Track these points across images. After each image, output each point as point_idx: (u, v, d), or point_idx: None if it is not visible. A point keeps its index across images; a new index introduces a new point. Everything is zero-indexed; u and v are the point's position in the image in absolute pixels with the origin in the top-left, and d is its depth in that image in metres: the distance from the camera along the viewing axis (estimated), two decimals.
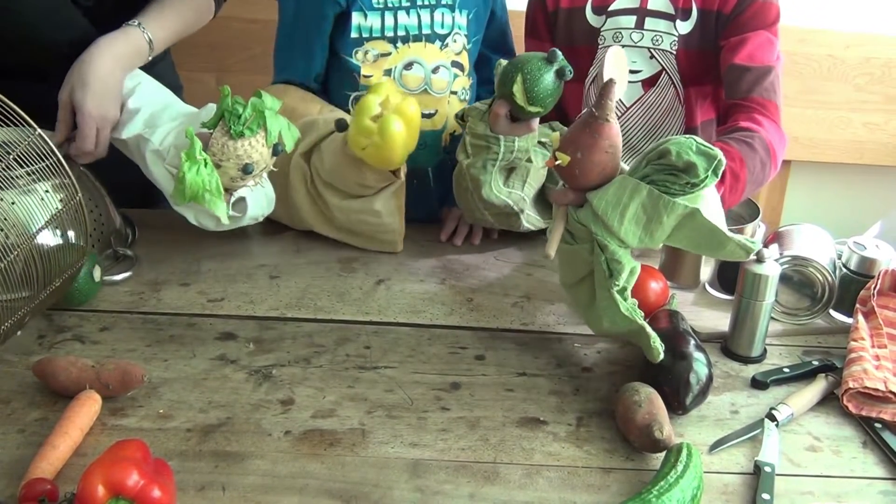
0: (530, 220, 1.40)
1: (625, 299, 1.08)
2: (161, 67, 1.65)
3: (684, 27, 1.42)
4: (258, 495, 0.92)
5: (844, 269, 1.28)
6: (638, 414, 1.00)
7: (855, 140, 2.39)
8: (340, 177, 1.37)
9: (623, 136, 1.49)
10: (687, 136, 1.04)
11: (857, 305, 1.23)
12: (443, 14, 1.45)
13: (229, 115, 1.18)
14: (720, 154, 1.01)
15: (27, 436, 0.98)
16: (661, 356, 1.07)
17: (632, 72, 1.45)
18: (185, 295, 1.28)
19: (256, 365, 1.13)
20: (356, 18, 1.42)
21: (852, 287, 1.26)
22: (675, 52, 1.43)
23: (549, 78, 1.22)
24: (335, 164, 1.35)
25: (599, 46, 1.46)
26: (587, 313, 1.15)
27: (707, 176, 1.01)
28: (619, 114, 1.48)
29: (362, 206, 1.38)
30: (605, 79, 1.08)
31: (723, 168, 1.02)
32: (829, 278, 1.24)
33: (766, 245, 1.28)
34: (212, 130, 1.20)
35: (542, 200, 1.43)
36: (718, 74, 1.43)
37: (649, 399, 1.02)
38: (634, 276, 1.09)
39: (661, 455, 0.98)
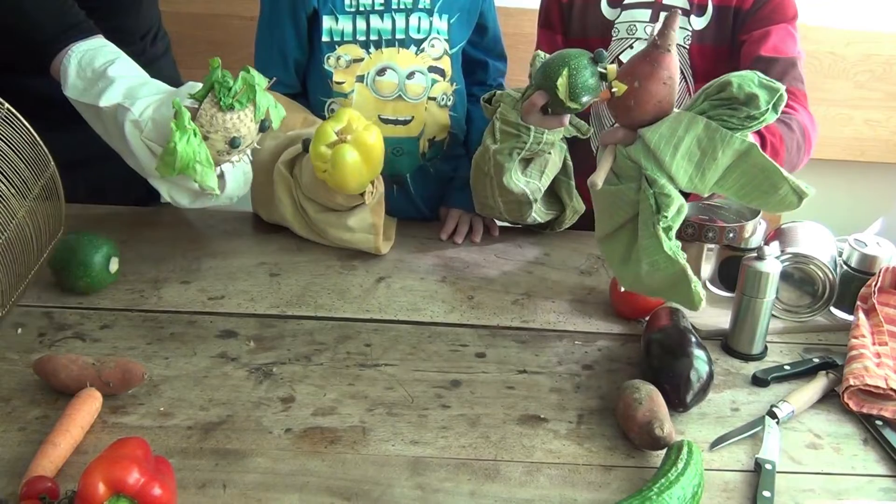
0: (538, 212, 1.41)
1: (669, 239, 1.04)
2: (162, 63, 1.65)
3: (699, 22, 1.42)
4: (259, 493, 0.92)
5: (845, 267, 1.28)
6: (638, 411, 1.00)
7: (856, 137, 2.39)
8: (314, 194, 1.38)
9: None
10: (747, 70, 1.02)
11: (858, 303, 1.23)
12: (419, 18, 1.44)
13: (219, 87, 1.16)
14: (783, 88, 0.99)
15: (28, 434, 0.98)
16: (703, 304, 1.05)
17: None
18: (185, 293, 1.28)
19: (257, 363, 1.13)
20: (327, 22, 1.41)
21: (853, 284, 1.26)
22: (688, 47, 1.43)
23: (594, 77, 1.21)
24: (310, 181, 1.36)
25: (613, 39, 1.46)
26: (621, 268, 1.12)
27: (768, 109, 0.98)
28: None
29: (337, 221, 1.38)
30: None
31: (784, 103, 0.99)
32: (830, 275, 1.24)
33: (766, 242, 1.28)
34: (199, 102, 1.18)
35: (550, 192, 1.43)
36: (733, 70, 1.42)
37: (650, 396, 1.02)
38: (681, 216, 1.05)
39: (662, 452, 0.98)
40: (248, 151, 1.25)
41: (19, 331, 1.16)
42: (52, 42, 1.26)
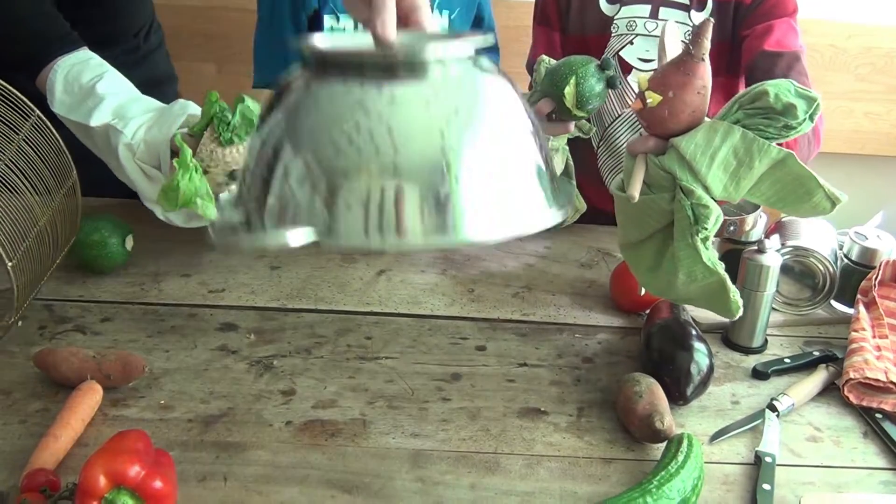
0: None
1: (707, 249, 1.02)
2: (156, 57, 1.65)
3: (699, 17, 1.42)
4: (259, 485, 0.92)
5: (846, 260, 1.28)
6: (638, 404, 1.00)
7: (856, 130, 2.39)
8: None
9: (635, 125, 1.49)
10: (783, 78, 1.00)
11: (859, 296, 1.23)
12: None
13: (218, 122, 1.18)
14: (819, 97, 0.97)
15: (28, 426, 0.98)
16: (741, 312, 1.04)
17: (646, 61, 1.44)
18: (186, 286, 1.28)
19: (257, 356, 1.13)
20: (328, 21, 1.40)
21: (853, 277, 1.26)
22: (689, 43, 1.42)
23: (600, 85, 1.20)
24: None
25: (612, 35, 1.46)
26: (650, 275, 1.10)
27: (804, 119, 0.97)
28: (631, 103, 1.47)
29: None
30: (666, 48, 1.04)
31: (819, 112, 0.98)
32: (831, 269, 1.24)
33: (767, 235, 1.28)
34: (197, 135, 1.19)
35: None
36: (733, 65, 1.42)
37: (650, 389, 1.02)
38: (717, 225, 1.02)
39: (662, 445, 0.98)
40: None
41: (20, 323, 1.16)
42: (37, 56, 1.26)
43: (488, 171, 0.69)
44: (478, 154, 0.69)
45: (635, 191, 1.02)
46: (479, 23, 1.54)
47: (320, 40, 0.80)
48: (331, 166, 0.67)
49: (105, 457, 0.81)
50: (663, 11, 1.43)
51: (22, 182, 1.10)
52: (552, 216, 0.73)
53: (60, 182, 1.18)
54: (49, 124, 1.15)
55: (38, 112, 1.14)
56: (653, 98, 1.00)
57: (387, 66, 0.70)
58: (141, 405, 1.03)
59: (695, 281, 1.04)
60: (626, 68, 1.48)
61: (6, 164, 1.09)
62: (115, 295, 1.25)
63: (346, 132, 0.67)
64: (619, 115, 1.50)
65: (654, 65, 1.43)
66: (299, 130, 0.70)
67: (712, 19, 0.99)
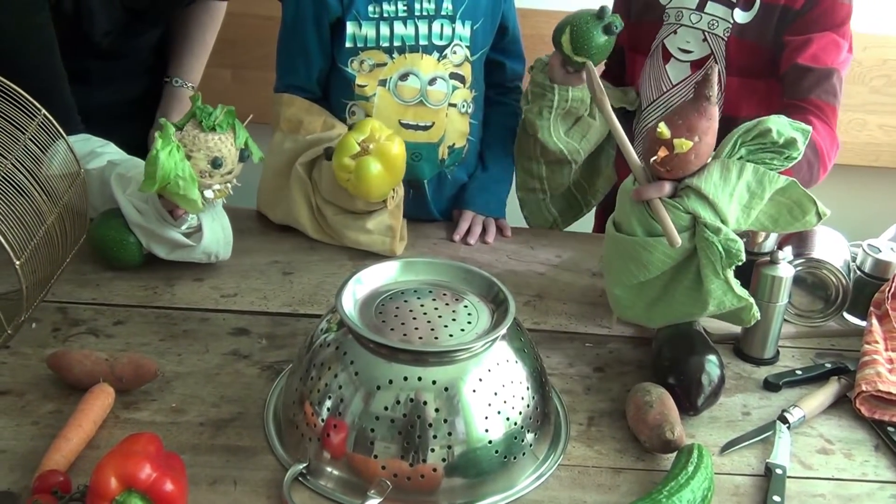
0: (576, 174, 1.54)
1: (734, 279, 1.07)
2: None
3: (743, 17, 1.41)
4: (269, 490, 0.92)
5: (858, 272, 1.28)
6: (649, 414, 1.00)
7: (871, 142, 2.38)
8: (334, 198, 1.40)
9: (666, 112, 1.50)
10: (774, 115, 1.08)
11: (871, 308, 1.23)
12: (441, 25, 1.43)
13: (200, 112, 1.22)
14: (810, 128, 1.07)
15: (41, 428, 0.98)
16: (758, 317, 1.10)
17: (684, 51, 1.46)
18: (198, 290, 1.29)
19: (269, 360, 1.14)
20: (350, 28, 1.40)
21: (866, 290, 1.26)
22: (725, 39, 1.42)
23: (596, 31, 1.31)
24: (330, 186, 1.38)
25: (664, 23, 1.48)
26: (650, 310, 1.13)
27: (802, 149, 1.06)
28: (665, 90, 1.49)
29: (355, 224, 1.40)
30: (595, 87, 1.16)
31: (808, 139, 1.07)
32: (843, 281, 1.24)
33: (780, 247, 1.28)
34: (178, 128, 1.22)
35: (589, 164, 1.51)
36: (773, 71, 1.41)
37: (661, 399, 1.02)
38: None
39: (672, 456, 0.97)
40: (230, 186, 1.26)
41: (34, 325, 1.16)
42: None
43: None
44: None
45: (677, 237, 1.05)
46: (503, 32, 1.54)
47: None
48: None
49: (116, 459, 0.82)
50: (709, 6, 1.43)
51: (28, 181, 1.11)
52: None
53: (68, 181, 1.18)
54: (55, 123, 1.16)
55: (44, 111, 1.15)
56: (684, 145, 1.03)
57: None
58: (152, 408, 1.03)
59: (723, 309, 1.09)
60: (667, 56, 1.48)
61: (12, 164, 1.09)
62: (128, 298, 1.25)
63: None
64: (655, 100, 1.50)
65: (693, 56, 1.46)
66: None
67: (717, 65, 1.05)
